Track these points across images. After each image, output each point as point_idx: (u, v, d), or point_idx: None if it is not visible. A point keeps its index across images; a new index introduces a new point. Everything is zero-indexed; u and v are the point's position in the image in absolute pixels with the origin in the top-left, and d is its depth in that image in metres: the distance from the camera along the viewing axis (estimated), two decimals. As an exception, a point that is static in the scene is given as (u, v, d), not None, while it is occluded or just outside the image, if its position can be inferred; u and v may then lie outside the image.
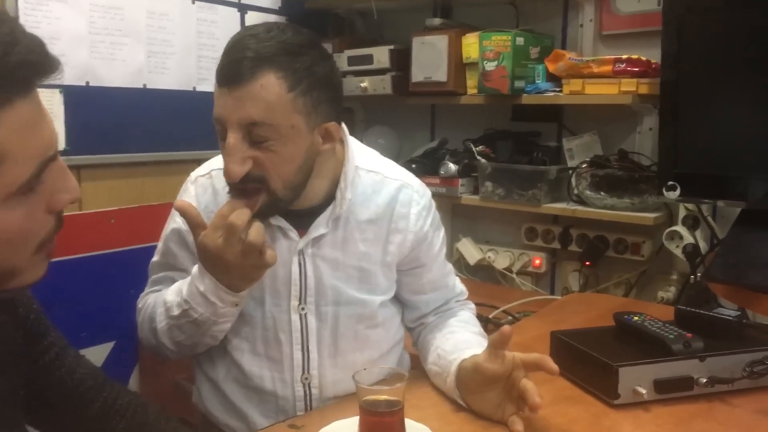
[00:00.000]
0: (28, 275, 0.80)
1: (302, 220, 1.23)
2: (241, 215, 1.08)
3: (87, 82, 1.95)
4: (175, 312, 1.19)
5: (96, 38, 1.96)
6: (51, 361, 1.04)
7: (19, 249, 0.77)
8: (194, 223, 1.12)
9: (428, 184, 1.39)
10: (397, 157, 1.39)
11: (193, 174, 1.32)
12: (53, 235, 0.81)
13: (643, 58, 1.95)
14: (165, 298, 1.24)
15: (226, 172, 1.10)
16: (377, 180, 1.28)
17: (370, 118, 2.74)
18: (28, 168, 0.72)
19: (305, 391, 1.27)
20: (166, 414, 1.17)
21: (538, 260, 2.34)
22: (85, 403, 1.08)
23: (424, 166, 2.32)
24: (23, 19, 1.78)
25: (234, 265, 1.10)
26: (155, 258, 1.35)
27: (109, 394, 1.10)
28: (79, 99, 1.92)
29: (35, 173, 0.73)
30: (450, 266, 1.41)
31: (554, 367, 1.06)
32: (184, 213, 1.13)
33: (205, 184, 1.28)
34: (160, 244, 1.34)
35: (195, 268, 1.17)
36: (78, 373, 1.08)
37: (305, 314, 1.25)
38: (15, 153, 0.70)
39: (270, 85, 1.06)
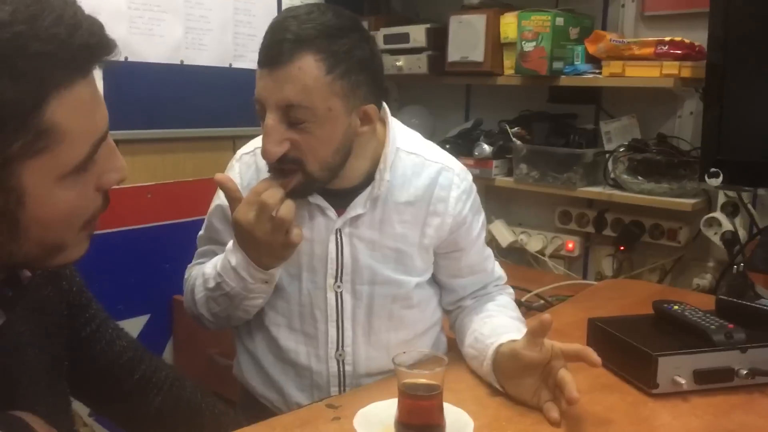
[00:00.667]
0: (73, 252, 0.81)
1: (341, 199, 1.24)
2: (273, 194, 1.10)
3: (126, 58, 1.96)
4: (211, 284, 1.23)
5: (135, 14, 1.97)
6: (92, 332, 1.07)
7: (69, 226, 0.78)
8: (231, 197, 1.15)
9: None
10: (430, 137, 1.38)
11: (239, 152, 1.33)
12: (99, 214, 0.82)
13: (686, 41, 1.90)
14: (204, 271, 1.28)
15: (264, 152, 1.11)
16: (418, 162, 1.27)
17: (404, 97, 2.73)
18: (84, 148, 0.74)
19: (339, 368, 1.29)
20: (201, 388, 1.20)
21: (572, 244, 2.32)
22: (124, 376, 1.11)
23: (458, 147, 2.30)
24: (64, -6, 1.79)
25: (263, 241, 1.12)
26: (201, 232, 1.38)
27: (147, 367, 1.13)
28: (117, 74, 1.93)
29: (90, 153, 0.74)
30: (489, 251, 1.40)
31: (596, 359, 1.06)
32: (222, 186, 1.15)
33: (249, 161, 1.29)
34: (206, 219, 1.36)
35: (230, 243, 1.20)
36: (118, 346, 1.10)
37: (341, 292, 1.26)
38: (73, 133, 0.71)
39: (308, 68, 1.07)
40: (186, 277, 1.37)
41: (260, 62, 1.10)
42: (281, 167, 1.13)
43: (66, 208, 0.75)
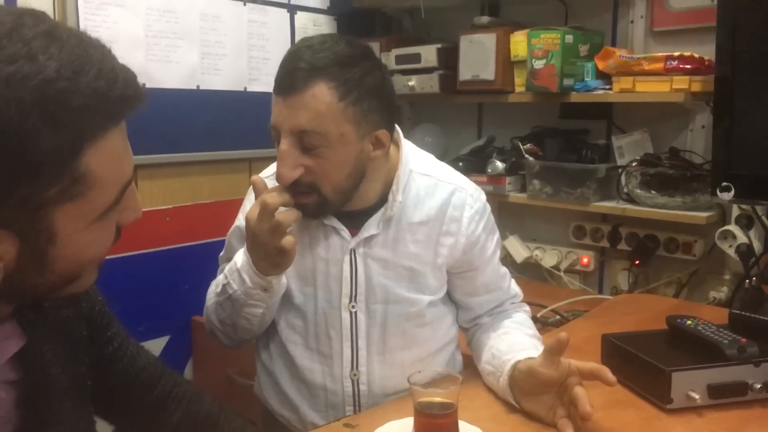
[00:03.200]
0: (84, 282, 0.84)
1: (355, 220, 1.26)
2: (275, 196, 1.14)
3: (143, 84, 1.99)
4: (219, 289, 1.27)
5: (152, 41, 2.02)
6: (114, 351, 1.09)
7: (92, 264, 0.82)
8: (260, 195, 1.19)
9: (475, 183, 1.39)
10: (443, 156, 1.40)
11: (260, 175, 1.36)
12: (111, 246, 0.85)
13: (696, 55, 1.91)
14: (216, 279, 1.33)
15: (278, 177, 1.15)
16: (431, 183, 1.29)
17: (417, 116, 2.75)
18: (113, 193, 0.76)
19: (354, 388, 1.30)
20: (220, 402, 1.22)
21: (587, 258, 2.32)
22: (145, 392, 1.13)
23: (471, 164, 2.32)
24: (83, 24, 1.85)
25: (262, 242, 1.15)
26: (222, 252, 1.42)
27: (167, 381, 1.16)
28: (135, 101, 1.98)
29: (117, 198, 0.77)
30: (505, 270, 1.41)
31: (611, 378, 1.07)
32: (255, 186, 1.20)
33: (269, 185, 1.31)
34: (228, 237, 1.40)
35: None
36: (139, 362, 1.13)
37: (355, 312, 1.28)
38: (105, 180, 0.74)
39: (321, 95, 1.10)
40: (209, 291, 1.40)
41: (276, 90, 1.14)
42: (296, 191, 1.16)
43: (94, 249, 0.79)
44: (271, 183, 1.32)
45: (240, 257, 1.22)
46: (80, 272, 0.81)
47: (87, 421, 1.00)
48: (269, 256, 1.17)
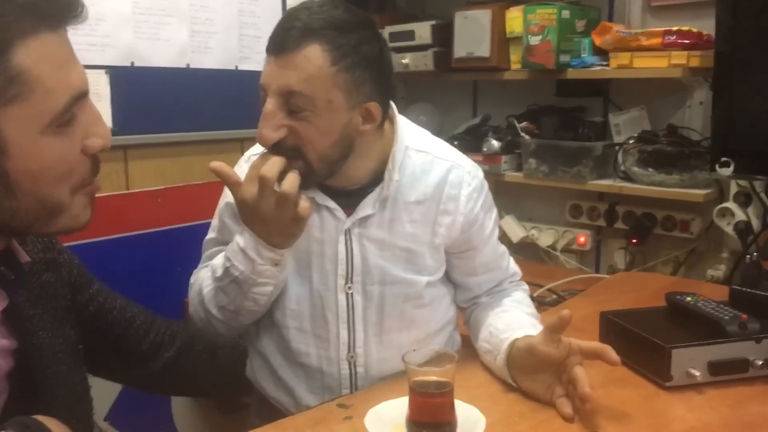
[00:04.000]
0: (74, 217, 0.85)
1: (350, 200, 1.23)
2: (272, 166, 1.08)
3: (132, 63, 1.97)
4: (219, 273, 1.20)
5: (140, 18, 1.98)
6: (101, 305, 1.12)
7: (59, 182, 0.82)
8: (230, 181, 1.13)
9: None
10: (438, 134, 1.37)
11: (247, 153, 1.33)
12: (92, 178, 0.86)
13: (694, 30, 1.89)
14: (213, 263, 1.25)
15: (259, 136, 1.10)
16: (427, 160, 1.26)
17: (411, 94, 2.72)
18: (60, 100, 0.78)
19: (350, 370, 1.28)
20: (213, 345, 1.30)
21: (583, 238, 2.31)
22: (139, 339, 1.17)
23: (467, 143, 2.29)
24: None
25: (270, 218, 1.10)
26: (209, 235, 1.36)
27: (160, 326, 1.21)
28: (124, 79, 1.95)
29: (67, 106, 0.79)
30: (503, 248, 1.39)
31: (615, 357, 1.05)
32: (217, 172, 1.13)
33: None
34: (214, 221, 1.35)
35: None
36: (129, 312, 1.16)
37: (352, 293, 1.26)
38: (46, 82, 0.76)
39: (313, 57, 1.07)
40: (192, 281, 1.34)
41: (268, 48, 1.11)
42: (282, 156, 1.11)
43: (51, 160, 0.79)
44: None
45: (241, 237, 1.16)
46: (56, 198, 0.82)
47: (82, 385, 1.01)
48: (282, 228, 1.12)
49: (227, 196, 1.29)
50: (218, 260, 1.23)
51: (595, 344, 1.09)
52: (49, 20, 0.77)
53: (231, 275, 1.18)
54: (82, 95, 0.81)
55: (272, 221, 1.11)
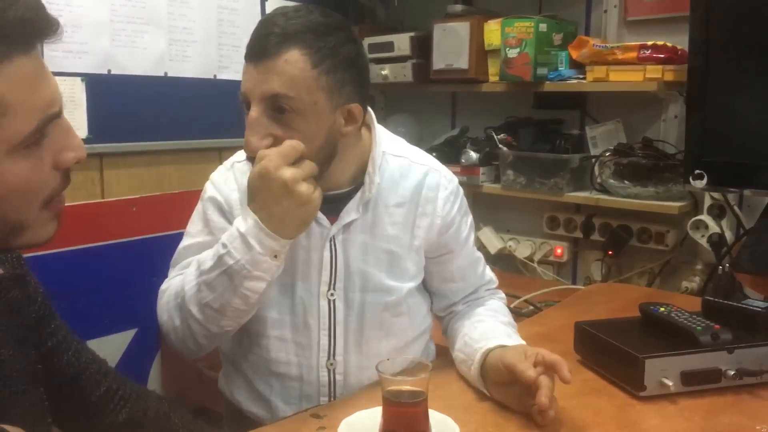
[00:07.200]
0: (37, 233, 0.82)
1: (331, 206, 1.23)
2: (297, 144, 1.08)
3: (109, 70, 1.95)
4: (209, 264, 1.13)
5: (117, 26, 1.96)
6: (58, 343, 1.06)
7: (26, 203, 0.79)
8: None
9: (448, 173, 1.37)
10: (417, 145, 1.37)
11: (229, 161, 1.30)
12: (60, 192, 0.84)
13: (669, 45, 1.91)
14: (200, 257, 1.19)
15: (246, 145, 1.10)
16: (404, 164, 1.27)
17: (390, 105, 2.73)
18: (31, 122, 0.75)
19: (330, 377, 1.27)
20: (170, 403, 1.18)
21: (560, 249, 2.32)
22: (91, 388, 1.10)
23: (445, 155, 2.30)
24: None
25: (289, 193, 1.06)
26: (185, 243, 1.30)
27: (113, 380, 1.12)
28: (100, 87, 1.93)
29: (38, 127, 0.76)
30: (479, 254, 1.40)
31: (567, 375, 1.05)
32: None
33: (244, 168, 1.25)
34: (191, 227, 1.30)
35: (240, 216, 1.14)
36: (84, 357, 1.10)
37: (334, 300, 1.25)
38: (16, 106, 0.74)
39: (294, 61, 1.07)
40: (163, 288, 1.28)
41: (247, 56, 1.10)
42: None
43: (18, 182, 0.77)
44: (245, 167, 1.24)
45: (243, 222, 1.10)
46: (20, 216, 0.79)
47: (41, 407, 0.97)
48: (296, 210, 1.08)
49: (210, 191, 1.28)
50: (208, 252, 1.16)
51: (554, 357, 1.08)
52: (23, 43, 0.74)
53: (224, 264, 1.11)
54: (54, 117, 0.79)
55: (289, 199, 1.07)
